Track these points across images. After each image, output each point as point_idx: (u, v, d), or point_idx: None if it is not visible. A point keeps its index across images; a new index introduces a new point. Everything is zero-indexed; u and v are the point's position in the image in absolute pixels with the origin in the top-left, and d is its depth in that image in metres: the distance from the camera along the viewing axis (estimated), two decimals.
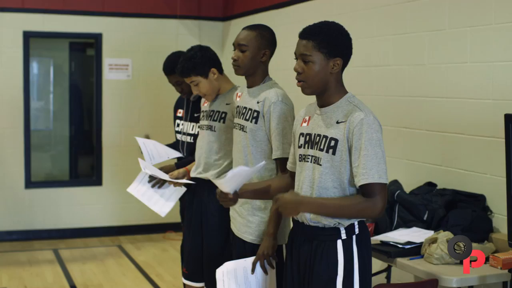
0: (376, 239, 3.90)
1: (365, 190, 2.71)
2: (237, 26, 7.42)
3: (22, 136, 7.70)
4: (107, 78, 7.96)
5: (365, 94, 5.14)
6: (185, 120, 4.58)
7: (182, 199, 4.37)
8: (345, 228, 2.79)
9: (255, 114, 3.41)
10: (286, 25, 6.25)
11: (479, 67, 4.06)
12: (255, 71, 3.47)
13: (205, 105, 4.10)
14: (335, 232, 2.80)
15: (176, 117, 4.74)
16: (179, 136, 4.65)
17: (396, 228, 4.09)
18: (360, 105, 2.79)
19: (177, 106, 4.78)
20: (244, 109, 3.49)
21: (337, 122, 2.78)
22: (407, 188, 4.39)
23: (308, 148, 2.87)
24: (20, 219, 7.77)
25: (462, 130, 4.20)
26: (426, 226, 4.00)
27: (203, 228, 3.97)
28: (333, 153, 2.76)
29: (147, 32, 7.99)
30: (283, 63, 4.92)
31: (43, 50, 9.71)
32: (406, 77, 4.74)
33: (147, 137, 8.02)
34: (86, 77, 9.54)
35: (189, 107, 4.55)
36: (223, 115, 3.93)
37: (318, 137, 2.83)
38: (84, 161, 9.71)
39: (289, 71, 3.38)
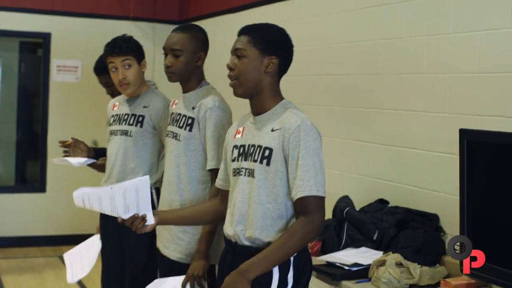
0: (321, 259, 3.67)
1: (301, 204, 2.46)
2: None
3: None
4: (54, 79, 7.63)
5: (317, 104, 4.92)
6: None
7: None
8: None
9: (190, 121, 3.14)
10: None
11: (435, 78, 3.84)
12: (191, 76, 3.21)
13: (115, 109, 3.83)
14: None
15: None
16: None
17: (344, 248, 3.86)
18: (296, 111, 2.57)
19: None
20: (178, 116, 3.21)
21: (272, 130, 2.54)
22: (358, 205, 4.15)
23: (242, 160, 2.62)
24: None
25: (416, 144, 3.97)
26: (376, 246, 3.76)
27: (124, 246, 3.65)
28: (268, 164, 2.51)
29: (99, 33, 7.61)
30: None
31: None
32: (360, 86, 4.51)
33: (95, 143, 7.73)
34: (36, 79, 9.15)
35: None
36: (140, 118, 3.66)
37: (252, 148, 2.59)
38: (33, 166, 9.31)
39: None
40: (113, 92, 4.26)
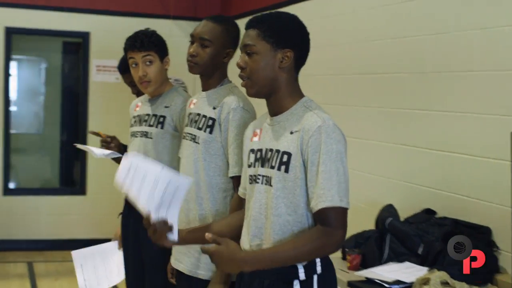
0: (360, 275, 3.39)
1: (322, 216, 2.15)
2: None
3: (1, 139, 7.20)
4: (94, 80, 7.45)
5: (358, 105, 4.61)
6: None
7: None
8: (304, 266, 2.23)
9: (210, 122, 2.86)
10: None
11: (486, 76, 3.49)
12: (214, 72, 2.94)
13: (137, 110, 3.57)
14: (292, 271, 2.23)
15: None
16: None
17: (386, 262, 3.56)
18: (317, 111, 2.26)
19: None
20: (197, 116, 2.93)
21: (291, 133, 2.25)
22: (403, 215, 3.83)
23: (259, 166, 2.34)
24: None
25: (466, 149, 3.62)
26: (421, 261, 3.46)
27: (144, 259, 3.40)
28: (286, 171, 2.22)
29: None
30: None
31: (35, 50, 9.25)
32: (404, 86, 4.17)
33: None
34: (79, 79, 9.05)
35: None
36: (161, 119, 3.39)
37: (269, 153, 2.30)
38: (78, 167, 9.21)
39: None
40: (139, 91, 4.03)
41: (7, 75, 7.16)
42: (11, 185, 7.89)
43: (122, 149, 3.99)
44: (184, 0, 7.63)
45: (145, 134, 3.42)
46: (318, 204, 2.14)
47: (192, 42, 2.95)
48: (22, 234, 7.35)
